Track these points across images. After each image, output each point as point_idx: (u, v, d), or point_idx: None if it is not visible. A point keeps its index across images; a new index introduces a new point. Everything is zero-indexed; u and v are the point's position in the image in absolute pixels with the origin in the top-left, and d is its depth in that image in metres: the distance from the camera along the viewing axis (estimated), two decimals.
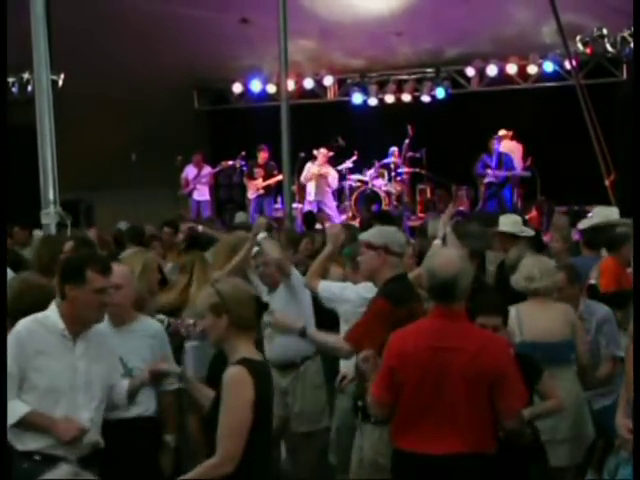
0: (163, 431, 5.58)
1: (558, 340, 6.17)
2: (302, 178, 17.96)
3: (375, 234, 5.98)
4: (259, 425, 4.43)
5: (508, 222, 8.91)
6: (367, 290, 6.23)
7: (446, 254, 5.13)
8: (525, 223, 9.65)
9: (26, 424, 4.70)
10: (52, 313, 4.88)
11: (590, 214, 9.79)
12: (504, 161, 17.31)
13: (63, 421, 4.78)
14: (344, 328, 6.33)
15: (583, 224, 9.15)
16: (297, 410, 7.16)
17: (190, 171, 18.59)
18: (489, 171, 17.30)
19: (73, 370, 4.86)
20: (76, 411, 4.83)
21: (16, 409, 4.69)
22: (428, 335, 4.89)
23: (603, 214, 9.20)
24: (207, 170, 18.69)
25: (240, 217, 14.97)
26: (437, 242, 7.77)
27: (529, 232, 8.88)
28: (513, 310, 6.13)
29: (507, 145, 17.53)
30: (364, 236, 6.02)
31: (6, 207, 7.65)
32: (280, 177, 16.54)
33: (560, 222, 11.29)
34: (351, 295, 6.53)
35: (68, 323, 4.86)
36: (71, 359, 4.87)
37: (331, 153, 17.94)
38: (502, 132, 17.50)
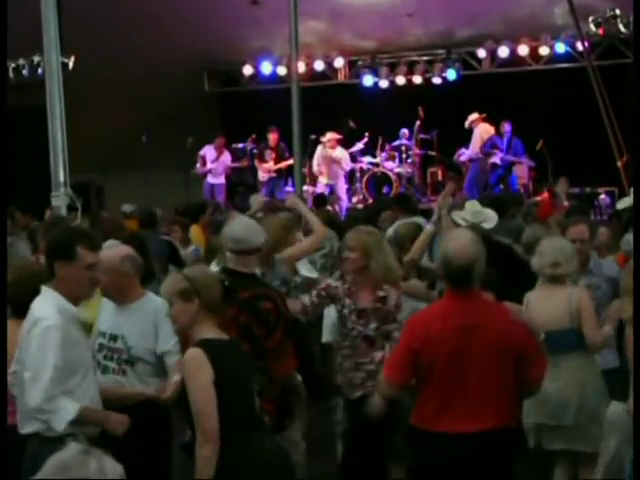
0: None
1: (560, 328, 6.13)
2: (314, 165, 17.94)
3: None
4: (230, 401, 4.54)
5: (469, 211, 8.72)
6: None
7: (459, 239, 5.06)
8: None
9: (81, 420, 4.68)
10: (58, 299, 4.81)
11: (602, 196, 9.75)
12: (513, 145, 17.35)
13: (115, 415, 4.86)
14: None
15: (622, 203, 9.10)
16: None
17: (209, 152, 18.45)
18: (496, 151, 17.36)
19: (90, 354, 4.97)
20: (94, 387, 4.92)
21: (69, 406, 4.66)
22: (451, 316, 4.91)
23: None
24: (226, 158, 18.55)
25: (254, 200, 14.90)
26: (429, 227, 7.70)
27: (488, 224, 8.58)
28: (525, 298, 6.24)
29: (484, 128, 17.61)
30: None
31: (6, 207, 7.65)
32: (291, 161, 16.53)
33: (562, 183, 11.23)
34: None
35: (74, 302, 4.87)
36: (86, 343, 4.96)
37: (339, 136, 17.90)
38: (474, 116, 17.57)
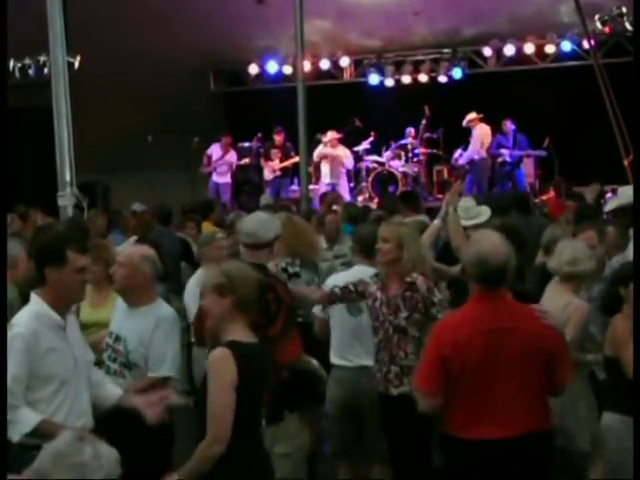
0: None
1: None
2: (313, 163, 17.92)
3: None
4: (245, 407, 4.50)
5: (461, 207, 8.73)
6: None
7: (492, 239, 5.04)
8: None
9: (40, 433, 4.51)
10: (40, 306, 4.76)
11: (608, 195, 9.71)
12: (519, 141, 17.35)
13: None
14: None
15: (610, 205, 9.07)
16: None
17: (215, 150, 18.45)
18: (503, 150, 17.37)
19: (73, 360, 4.81)
20: (79, 398, 4.81)
21: (29, 418, 4.57)
22: (480, 319, 4.87)
23: (628, 194, 9.09)
24: (232, 156, 18.55)
25: (265, 199, 14.95)
26: (436, 222, 7.73)
27: (480, 219, 8.47)
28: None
29: (483, 129, 17.57)
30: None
31: (6, 207, 7.64)
32: (297, 159, 16.52)
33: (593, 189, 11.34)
34: None
35: (59, 310, 4.78)
36: (69, 348, 4.81)
37: (339, 135, 17.87)
38: (472, 115, 17.54)
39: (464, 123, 17.75)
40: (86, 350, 5.09)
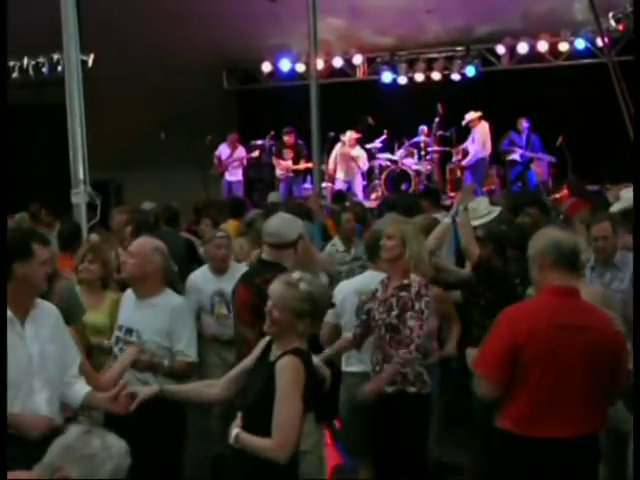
0: None
1: None
2: (330, 163, 17.92)
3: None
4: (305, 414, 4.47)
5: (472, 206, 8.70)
6: None
7: (555, 230, 5.23)
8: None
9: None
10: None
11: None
12: (532, 141, 17.30)
13: (28, 417, 4.67)
14: None
15: (613, 209, 9.05)
16: None
17: (223, 150, 18.47)
18: (515, 149, 17.32)
19: (27, 357, 4.74)
20: (33, 396, 4.74)
21: None
22: (556, 312, 4.82)
23: (628, 197, 9.08)
24: (241, 152, 18.57)
25: (273, 197, 14.94)
26: (446, 220, 7.75)
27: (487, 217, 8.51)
28: None
29: (484, 128, 17.52)
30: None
31: (6, 206, 7.65)
32: (309, 164, 16.57)
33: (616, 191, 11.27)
34: None
35: (16, 306, 4.75)
36: (23, 346, 4.74)
37: (358, 135, 17.88)
38: (472, 115, 17.48)
39: (464, 123, 17.70)
40: (63, 349, 4.98)
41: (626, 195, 9.15)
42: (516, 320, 4.89)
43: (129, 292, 6.20)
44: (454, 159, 18.14)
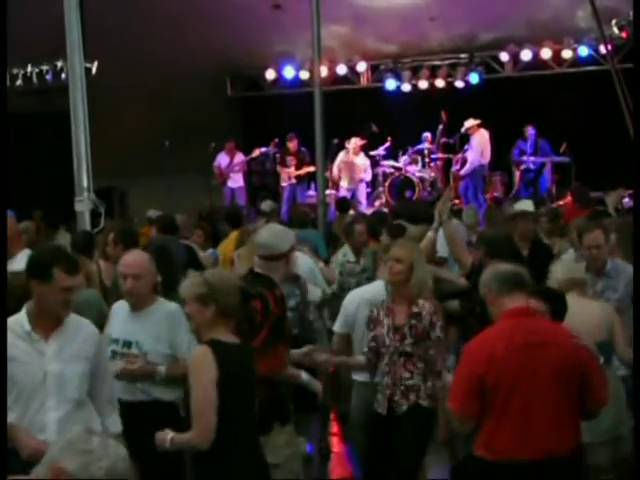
0: None
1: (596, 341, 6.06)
2: (334, 170, 17.92)
3: None
4: (230, 403, 4.59)
5: (470, 214, 8.77)
6: None
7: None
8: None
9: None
10: (21, 315, 4.77)
11: (626, 200, 9.66)
12: (540, 147, 17.31)
13: (25, 438, 4.62)
14: None
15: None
16: None
17: (222, 159, 18.50)
18: (525, 157, 17.33)
19: (43, 373, 4.71)
20: (44, 413, 4.71)
21: None
22: (513, 334, 4.83)
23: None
24: (240, 158, 18.59)
25: (267, 205, 14.82)
26: (430, 234, 7.71)
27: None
28: None
29: (483, 137, 17.50)
30: None
31: (6, 206, 7.65)
32: (312, 168, 16.53)
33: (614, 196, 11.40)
34: None
35: (36, 323, 4.75)
36: (40, 362, 4.72)
37: (363, 142, 17.88)
38: (470, 122, 17.47)
39: (463, 130, 17.69)
40: (87, 367, 4.89)
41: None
42: (475, 351, 4.94)
43: (119, 304, 6.11)
44: (453, 168, 18.11)
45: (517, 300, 4.94)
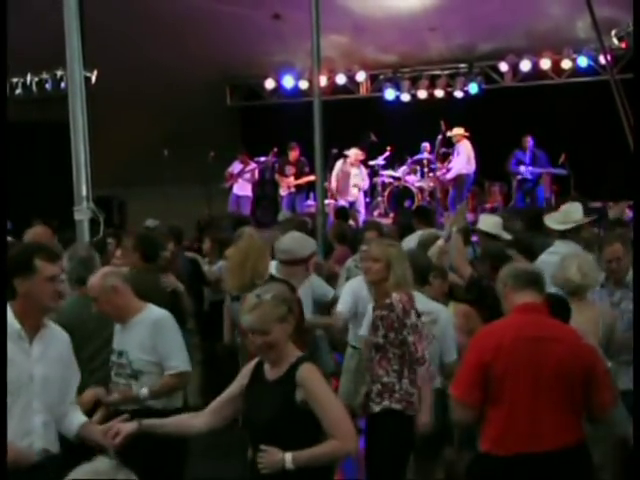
0: None
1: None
2: (332, 180, 17.91)
3: None
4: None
5: (489, 222, 8.77)
6: None
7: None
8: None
9: None
10: (8, 315, 4.70)
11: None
12: (538, 158, 17.32)
13: (17, 450, 4.56)
14: None
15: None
16: None
17: (236, 166, 18.60)
18: (522, 168, 17.35)
19: (29, 376, 4.67)
20: (30, 416, 4.67)
21: None
22: (522, 327, 4.90)
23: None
24: (252, 165, 18.66)
25: (283, 215, 14.92)
26: (440, 242, 7.78)
27: (507, 235, 8.59)
28: None
29: (468, 147, 17.57)
30: None
31: (6, 206, 7.66)
32: (311, 177, 16.53)
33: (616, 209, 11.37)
34: None
35: (23, 321, 4.69)
36: (27, 364, 4.68)
37: (363, 156, 17.88)
38: (457, 131, 17.53)
39: (448, 133, 17.77)
40: (68, 374, 4.94)
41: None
42: (483, 340, 5.00)
43: None
44: (438, 173, 18.14)
45: (529, 297, 5.00)
